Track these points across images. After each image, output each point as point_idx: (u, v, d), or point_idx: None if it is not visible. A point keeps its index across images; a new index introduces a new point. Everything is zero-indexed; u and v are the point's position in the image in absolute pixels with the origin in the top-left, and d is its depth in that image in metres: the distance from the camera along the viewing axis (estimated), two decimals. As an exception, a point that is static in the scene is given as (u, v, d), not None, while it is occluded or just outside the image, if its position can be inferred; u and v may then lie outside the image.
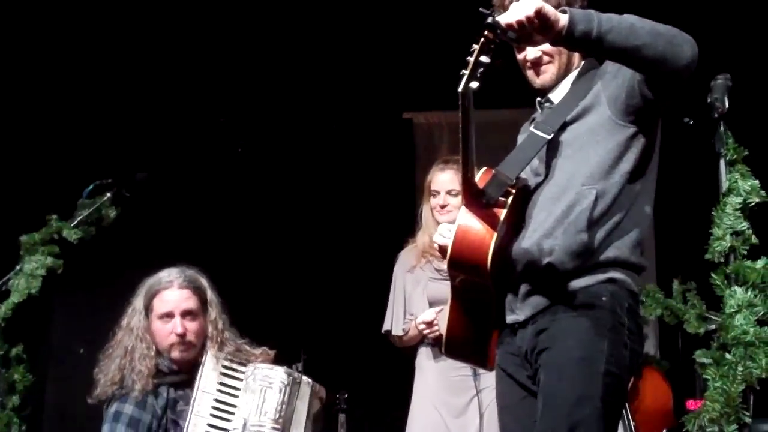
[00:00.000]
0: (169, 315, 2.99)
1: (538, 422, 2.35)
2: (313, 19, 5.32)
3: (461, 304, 2.49)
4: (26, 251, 3.98)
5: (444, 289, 3.54)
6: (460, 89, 2.21)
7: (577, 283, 2.36)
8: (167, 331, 2.98)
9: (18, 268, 3.95)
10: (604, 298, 2.34)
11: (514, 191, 2.41)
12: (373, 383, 5.37)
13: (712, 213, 3.15)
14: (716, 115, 3.17)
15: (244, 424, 2.90)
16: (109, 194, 4.00)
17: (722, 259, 3.12)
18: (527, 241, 2.39)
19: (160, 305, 3.00)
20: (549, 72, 2.52)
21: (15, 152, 5.46)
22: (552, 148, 2.45)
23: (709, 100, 3.18)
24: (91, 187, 3.99)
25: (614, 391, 2.34)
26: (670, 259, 4.95)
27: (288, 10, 5.28)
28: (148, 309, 3.02)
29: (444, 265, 3.57)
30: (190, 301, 3.00)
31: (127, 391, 2.95)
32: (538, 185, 2.46)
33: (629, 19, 2.28)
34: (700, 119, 3.32)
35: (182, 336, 2.97)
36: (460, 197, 3.60)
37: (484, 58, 2.15)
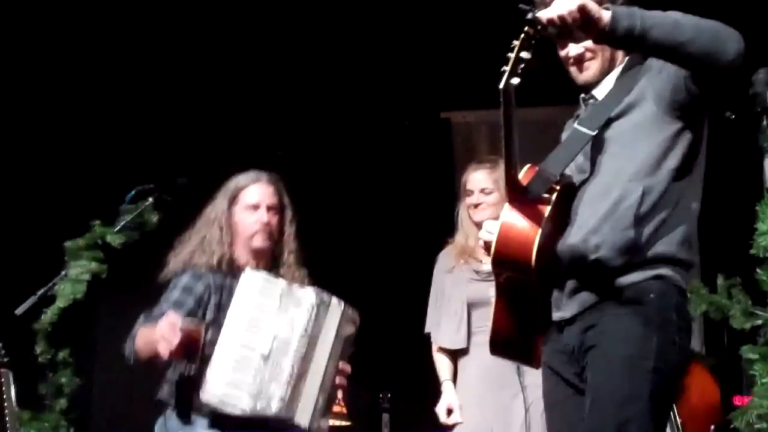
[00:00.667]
0: (255, 206, 3.19)
1: (586, 420, 2.34)
2: (349, 20, 5.33)
3: (506, 302, 2.49)
4: (71, 257, 4.02)
5: (483, 289, 3.59)
6: (500, 86, 2.21)
7: (624, 280, 2.34)
8: (252, 221, 3.17)
9: (63, 273, 3.99)
10: (652, 295, 2.33)
11: (558, 188, 2.40)
12: (416, 382, 5.36)
13: (756, 208, 3.13)
14: (759, 109, 3.14)
15: (273, 338, 2.97)
16: (150, 199, 4.01)
17: (767, 254, 3.09)
18: (573, 237, 2.38)
19: (247, 197, 3.20)
20: (592, 68, 2.51)
21: (59, 159, 5.53)
22: (597, 145, 2.44)
23: (751, 94, 3.15)
24: (133, 192, 4.02)
25: (663, 389, 2.33)
26: (714, 255, 4.90)
27: (325, 11, 5.29)
28: (232, 201, 3.21)
29: (482, 266, 3.68)
30: (275, 198, 3.23)
31: (192, 268, 3.14)
32: (583, 182, 2.45)
33: (673, 15, 2.27)
34: (743, 113, 3.29)
35: (267, 225, 3.17)
36: (493, 195, 3.66)
37: (524, 54, 2.15)
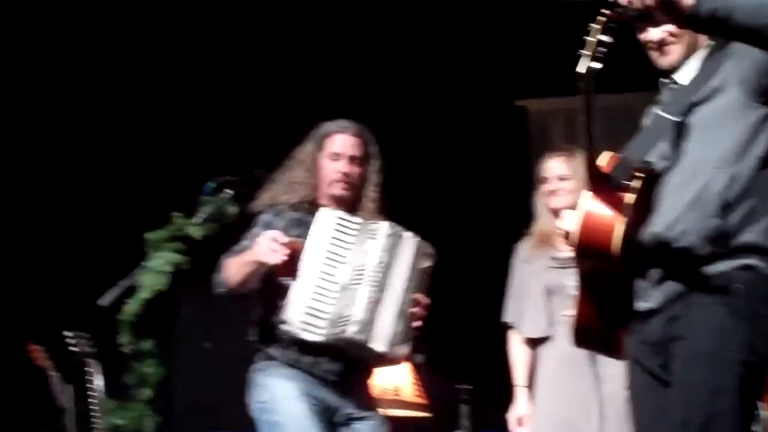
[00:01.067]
0: (338, 155, 3.25)
1: (673, 413, 2.30)
2: (422, 7, 5.30)
3: (589, 292, 2.45)
4: (153, 248, 4.10)
5: (560, 278, 3.57)
6: (579, 70, 2.17)
7: (711, 269, 2.30)
8: (333, 169, 3.25)
9: (145, 265, 4.06)
10: (739, 286, 2.28)
11: (641, 175, 2.36)
12: (495, 373, 5.34)
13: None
14: None
15: (350, 269, 3.11)
16: (229, 191, 4.06)
17: None
18: (657, 225, 2.34)
19: (331, 145, 3.27)
20: (674, 52, 2.45)
21: (140, 154, 5.64)
22: (680, 131, 2.38)
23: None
24: (212, 184, 4.07)
25: (751, 382, 2.28)
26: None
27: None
28: (319, 147, 3.30)
29: (560, 253, 3.64)
30: (358, 149, 3.28)
31: (274, 206, 3.27)
32: (666, 169, 2.39)
33: None
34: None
35: (346, 175, 3.24)
36: (570, 182, 3.62)
37: (604, 38, 2.10)
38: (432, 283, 3.34)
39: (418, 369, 5.47)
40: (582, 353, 3.36)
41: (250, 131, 5.61)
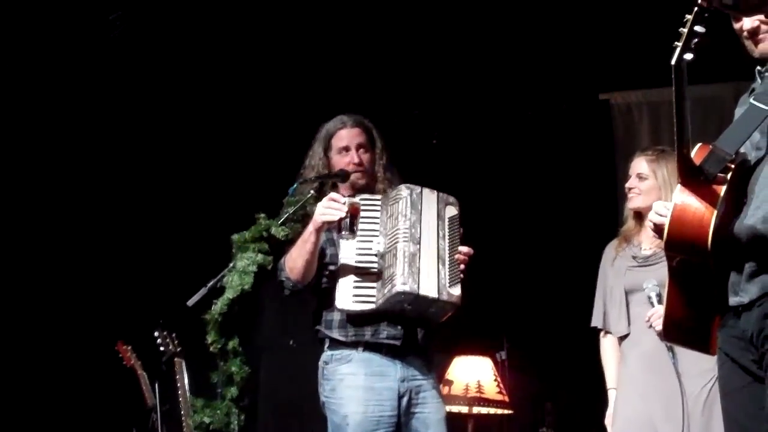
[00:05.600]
0: (346, 148, 3.48)
1: (768, 410, 2.25)
2: (504, 1, 5.27)
3: (680, 286, 2.41)
4: (238, 249, 4.14)
5: (640, 276, 3.53)
6: (673, 61, 2.14)
7: (808, 262, 2.23)
8: (345, 162, 3.47)
9: (231, 265, 4.10)
10: None
11: (733, 167, 2.30)
12: (579, 371, 5.29)
13: None
14: None
15: (383, 236, 3.31)
16: (312, 191, 4.08)
17: None
18: (751, 218, 2.28)
19: (337, 142, 3.50)
20: None
21: (226, 158, 5.72)
22: None
23: None
24: (295, 185, 4.10)
25: None
26: None
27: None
28: (326, 148, 3.53)
29: (641, 252, 3.60)
30: (362, 137, 3.50)
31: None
32: (760, 160, 2.34)
33: None
34: None
35: (359, 164, 3.46)
36: (647, 182, 3.58)
37: (698, 28, 2.07)
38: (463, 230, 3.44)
39: (501, 366, 5.45)
40: (662, 350, 3.35)
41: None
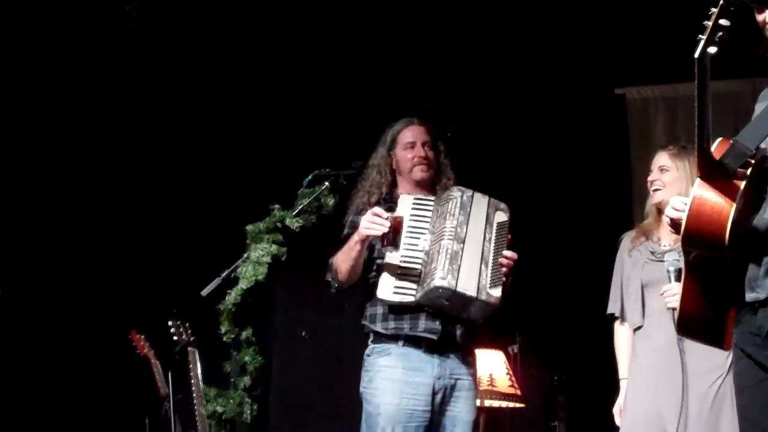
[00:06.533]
0: (412, 144, 3.59)
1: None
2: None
3: (696, 280, 2.40)
4: (252, 240, 4.15)
5: (658, 271, 3.51)
6: (697, 54, 2.12)
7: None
8: (411, 156, 3.58)
9: (245, 256, 4.11)
10: None
11: (753, 162, 2.29)
12: (592, 364, 5.28)
13: None
14: None
15: (430, 234, 3.38)
16: (327, 183, 4.09)
17: None
18: (771, 212, 2.27)
19: (405, 137, 3.62)
20: None
21: (240, 148, 5.72)
22: None
23: None
24: (310, 176, 4.11)
25: None
26: None
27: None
28: (392, 145, 3.63)
29: (659, 247, 3.60)
30: (428, 135, 3.64)
31: (357, 208, 3.60)
32: None
33: None
34: None
35: (424, 158, 3.57)
36: (670, 174, 3.57)
37: (723, 22, 2.05)
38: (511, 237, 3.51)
39: (513, 360, 5.45)
40: (673, 346, 3.34)
41: (347, 123, 5.64)
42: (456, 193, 3.44)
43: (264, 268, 4.09)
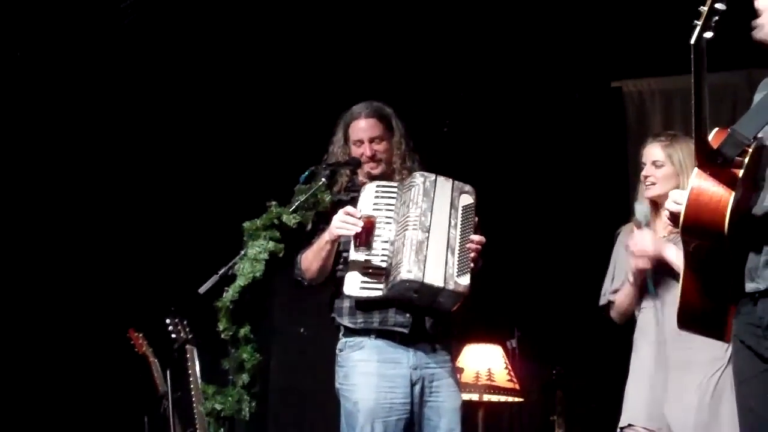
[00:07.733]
0: (360, 141, 3.54)
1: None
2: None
3: (696, 272, 2.40)
4: (249, 236, 4.13)
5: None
6: (692, 40, 2.11)
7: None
8: (360, 152, 3.54)
9: (242, 252, 4.09)
10: None
11: (750, 151, 2.28)
12: (590, 359, 5.29)
13: None
14: None
15: (394, 223, 3.34)
16: (323, 179, 4.08)
17: None
18: (768, 201, 2.27)
19: (353, 133, 3.57)
20: None
21: (237, 145, 5.72)
22: None
23: None
24: (306, 173, 4.09)
25: None
26: None
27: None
28: (346, 137, 3.59)
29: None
30: (376, 129, 3.54)
31: None
32: None
33: None
34: None
35: (372, 157, 3.51)
36: (664, 169, 3.51)
37: (719, 6, 2.03)
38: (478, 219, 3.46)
39: (512, 354, 5.45)
40: (671, 339, 3.33)
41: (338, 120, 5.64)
42: (418, 179, 3.39)
43: (261, 264, 4.06)
